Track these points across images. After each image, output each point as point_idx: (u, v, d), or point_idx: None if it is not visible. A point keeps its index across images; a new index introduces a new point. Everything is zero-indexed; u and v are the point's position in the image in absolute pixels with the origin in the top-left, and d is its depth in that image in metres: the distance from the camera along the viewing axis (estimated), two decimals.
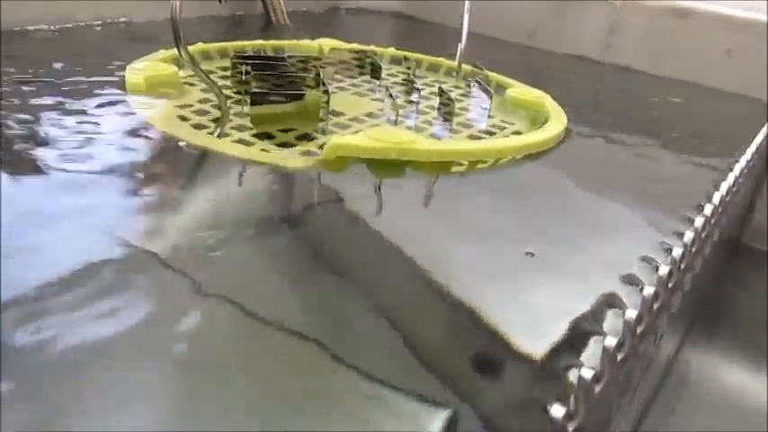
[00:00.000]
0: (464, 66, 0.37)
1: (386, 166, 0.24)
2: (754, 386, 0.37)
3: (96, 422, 0.12)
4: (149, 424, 0.12)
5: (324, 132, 0.27)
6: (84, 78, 0.29)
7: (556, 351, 0.15)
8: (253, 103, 0.26)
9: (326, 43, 0.38)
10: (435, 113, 0.31)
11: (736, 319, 0.43)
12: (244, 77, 0.30)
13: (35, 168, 0.20)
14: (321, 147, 0.24)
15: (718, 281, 0.45)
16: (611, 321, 0.17)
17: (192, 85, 0.30)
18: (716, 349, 0.40)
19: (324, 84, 0.28)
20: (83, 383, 0.12)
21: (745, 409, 0.36)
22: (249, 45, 0.36)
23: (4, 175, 0.20)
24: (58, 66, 0.30)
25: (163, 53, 0.31)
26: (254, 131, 0.26)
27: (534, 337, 0.16)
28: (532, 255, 0.20)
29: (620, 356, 0.16)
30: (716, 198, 0.25)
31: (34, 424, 0.11)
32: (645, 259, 0.20)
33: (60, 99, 0.26)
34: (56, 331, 0.13)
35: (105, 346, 0.13)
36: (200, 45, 0.34)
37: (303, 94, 0.27)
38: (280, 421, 0.12)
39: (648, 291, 0.18)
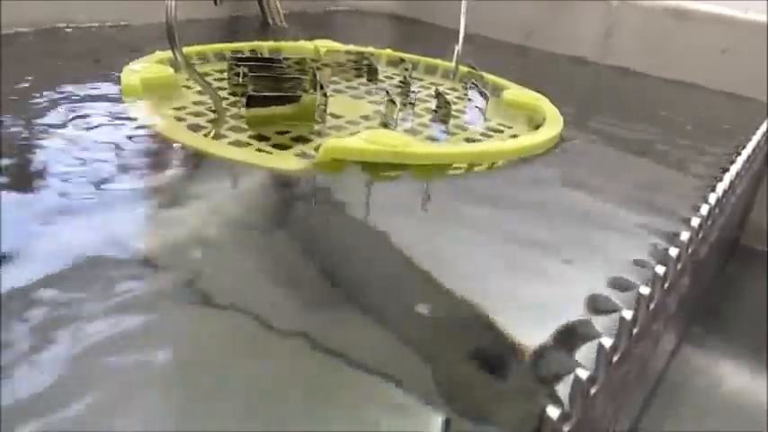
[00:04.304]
0: (461, 67, 0.37)
1: (381, 169, 0.24)
2: (753, 386, 0.37)
3: (96, 422, 0.12)
4: (150, 424, 0.12)
5: (320, 134, 0.27)
6: (80, 80, 0.29)
7: (551, 352, 0.15)
8: (249, 105, 0.26)
9: (323, 45, 0.38)
10: (432, 116, 0.31)
11: (734, 319, 0.43)
12: (240, 79, 0.30)
13: (31, 170, 0.20)
14: (317, 149, 0.24)
15: (717, 281, 0.45)
16: (607, 322, 0.17)
17: (188, 87, 0.30)
18: (714, 349, 0.40)
19: (321, 86, 0.28)
20: (81, 384, 0.12)
21: (743, 410, 0.36)
22: (245, 47, 0.36)
23: (5, 177, 0.20)
24: (54, 67, 0.30)
25: (159, 55, 0.31)
26: (250, 133, 0.26)
27: (529, 338, 0.16)
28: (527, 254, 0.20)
29: (615, 357, 0.16)
30: (712, 198, 0.25)
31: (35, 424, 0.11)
32: (640, 260, 0.20)
33: (56, 101, 0.26)
34: (55, 332, 0.13)
35: (103, 347, 0.13)
36: (197, 47, 0.34)
37: (299, 96, 0.27)
38: (278, 421, 0.12)
39: (644, 291, 0.18)
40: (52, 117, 0.25)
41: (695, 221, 0.23)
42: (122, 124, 0.25)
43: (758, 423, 0.34)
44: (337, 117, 0.29)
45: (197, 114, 0.27)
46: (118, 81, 0.28)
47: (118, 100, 0.27)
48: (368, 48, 0.39)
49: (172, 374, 0.13)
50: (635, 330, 0.18)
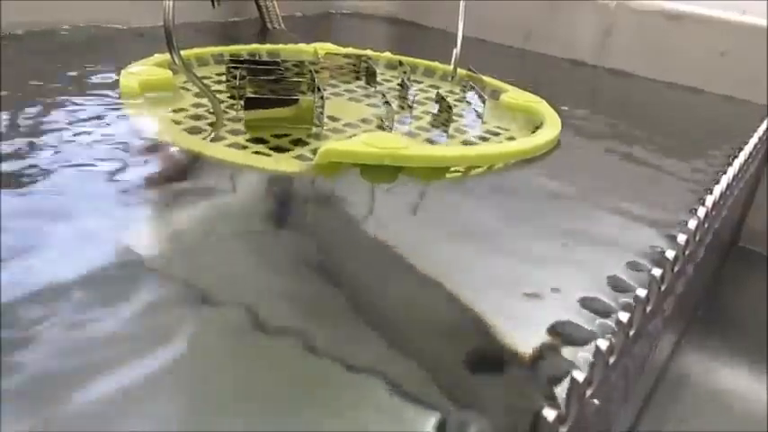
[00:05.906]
0: (459, 70, 0.37)
1: (379, 172, 0.24)
2: (753, 386, 0.37)
3: (96, 423, 0.12)
4: (148, 424, 0.12)
5: (318, 137, 0.27)
6: (78, 82, 0.29)
7: (548, 354, 0.15)
8: (247, 108, 0.26)
9: (321, 48, 0.38)
10: (430, 119, 0.31)
11: (733, 320, 0.43)
12: (238, 82, 0.30)
13: (28, 171, 0.20)
14: (315, 151, 0.24)
15: (715, 283, 0.45)
16: (604, 324, 0.17)
17: (186, 89, 0.30)
18: (714, 350, 0.40)
19: (319, 89, 0.28)
20: (81, 385, 0.12)
21: (743, 410, 0.36)
22: (244, 49, 0.36)
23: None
24: (52, 69, 0.30)
25: (158, 57, 0.31)
26: (248, 136, 0.26)
27: (526, 339, 0.16)
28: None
29: (612, 359, 0.16)
30: (709, 201, 0.25)
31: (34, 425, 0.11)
32: (638, 262, 0.20)
33: (54, 103, 0.26)
34: (54, 334, 0.14)
35: (103, 349, 0.13)
36: (196, 49, 0.34)
37: (297, 99, 0.27)
38: (274, 421, 0.12)
39: (641, 293, 0.18)
40: (49, 119, 0.25)
41: (692, 223, 0.23)
42: (120, 127, 0.25)
43: (758, 423, 0.35)
44: (335, 120, 0.29)
45: (195, 117, 0.27)
46: (116, 83, 0.28)
47: (116, 102, 0.27)
48: (366, 51, 0.39)
49: (168, 374, 0.13)
50: (631, 332, 0.18)
